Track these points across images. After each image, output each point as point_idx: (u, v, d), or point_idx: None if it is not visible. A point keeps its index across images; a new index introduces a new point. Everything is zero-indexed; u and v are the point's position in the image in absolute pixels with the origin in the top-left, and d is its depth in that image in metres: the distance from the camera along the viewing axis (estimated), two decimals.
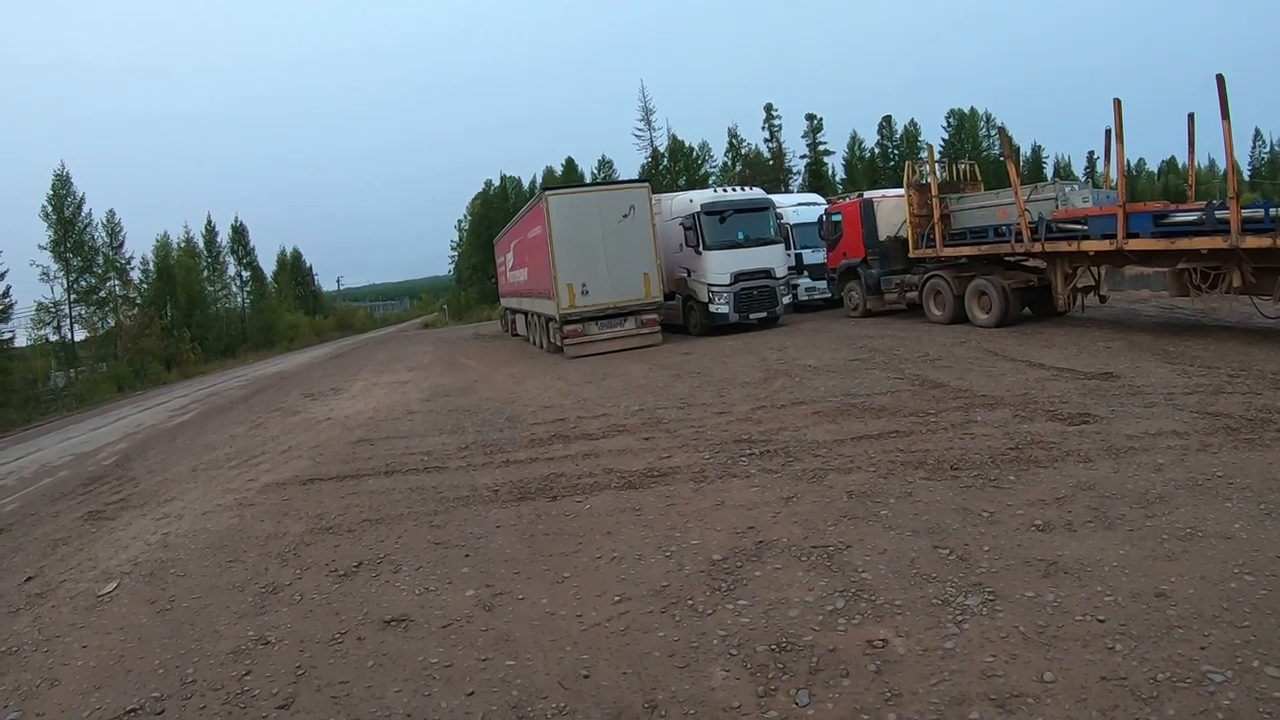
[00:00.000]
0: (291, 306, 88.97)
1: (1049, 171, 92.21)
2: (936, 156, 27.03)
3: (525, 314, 32.87)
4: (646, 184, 26.11)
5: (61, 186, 59.48)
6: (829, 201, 30.82)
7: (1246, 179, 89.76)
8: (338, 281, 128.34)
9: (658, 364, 19.70)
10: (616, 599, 6.31)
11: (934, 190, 22.03)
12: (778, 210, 27.55)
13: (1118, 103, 16.50)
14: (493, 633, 5.96)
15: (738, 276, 24.83)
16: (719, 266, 24.80)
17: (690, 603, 6.06)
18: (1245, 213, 14.43)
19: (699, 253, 25.07)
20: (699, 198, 26.12)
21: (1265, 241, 13.96)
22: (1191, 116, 18.25)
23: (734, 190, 27.29)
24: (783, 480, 8.81)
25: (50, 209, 58.85)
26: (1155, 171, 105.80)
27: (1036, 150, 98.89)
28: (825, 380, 14.45)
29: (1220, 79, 14.08)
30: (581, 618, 6.05)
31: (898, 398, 12.33)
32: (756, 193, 27.39)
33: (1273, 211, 14.25)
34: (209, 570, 8.15)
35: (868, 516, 7.41)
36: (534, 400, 16.41)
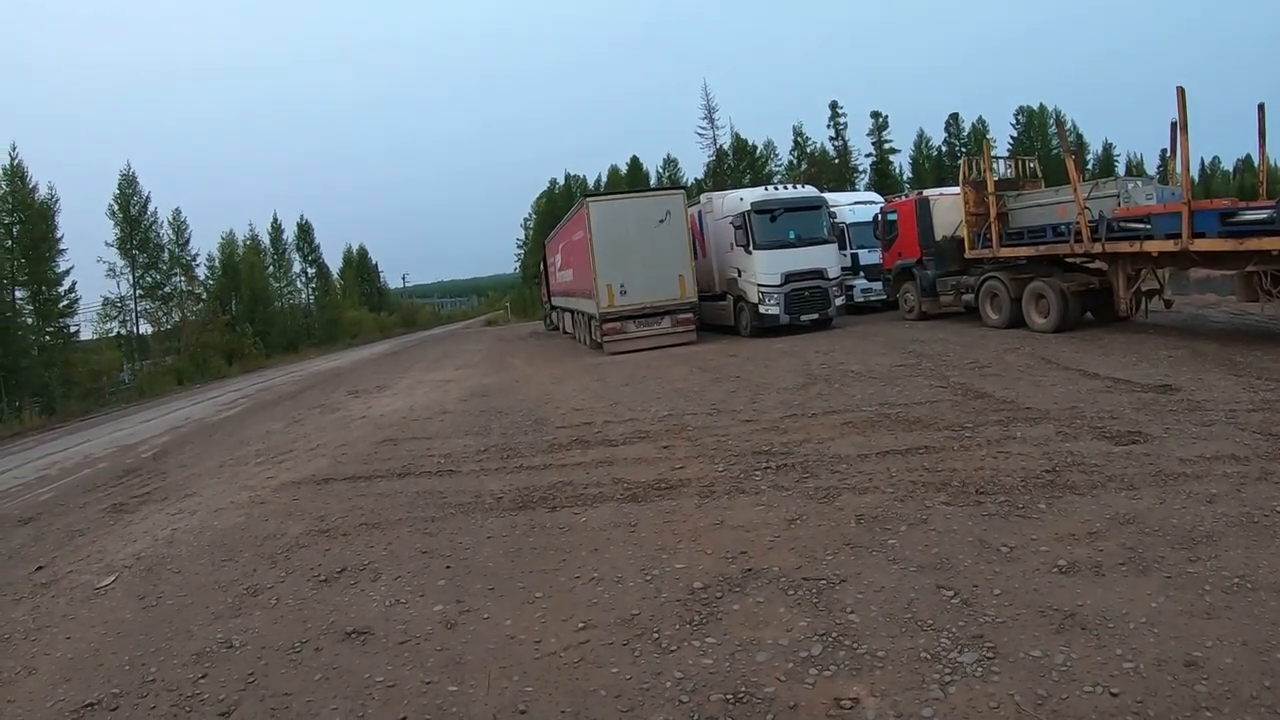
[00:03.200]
0: (356, 303, 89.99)
1: (1120, 170, 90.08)
2: (1001, 153, 25.90)
3: (572, 312, 34.04)
4: (681, 191, 28.59)
5: (128, 186, 60.38)
6: (886, 200, 29.90)
7: None
8: (403, 278, 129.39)
9: (699, 366, 19.17)
10: (581, 625, 5.88)
11: (990, 187, 21.09)
12: (831, 209, 26.97)
13: (1181, 91, 15.49)
14: (446, 653, 5.66)
15: (789, 277, 24.21)
16: (769, 266, 24.21)
17: (655, 636, 5.56)
18: None
19: (749, 252, 24.48)
20: (749, 196, 25.51)
21: None
22: (1261, 107, 17.03)
23: (786, 188, 26.85)
24: (792, 499, 8.14)
25: (116, 208, 59.75)
26: (1230, 170, 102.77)
27: (1108, 148, 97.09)
28: (864, 388, 13.74)
29: None
30: (540, 644, 5.65)
31: (936, 409, 11.56)
32: (809, 191, 26.83)
33: None
34: (202, 568, 8.12)
35: (873, 546, 6.70)
36: (567, 402, 16.00)
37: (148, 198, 61.10)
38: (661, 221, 24.99)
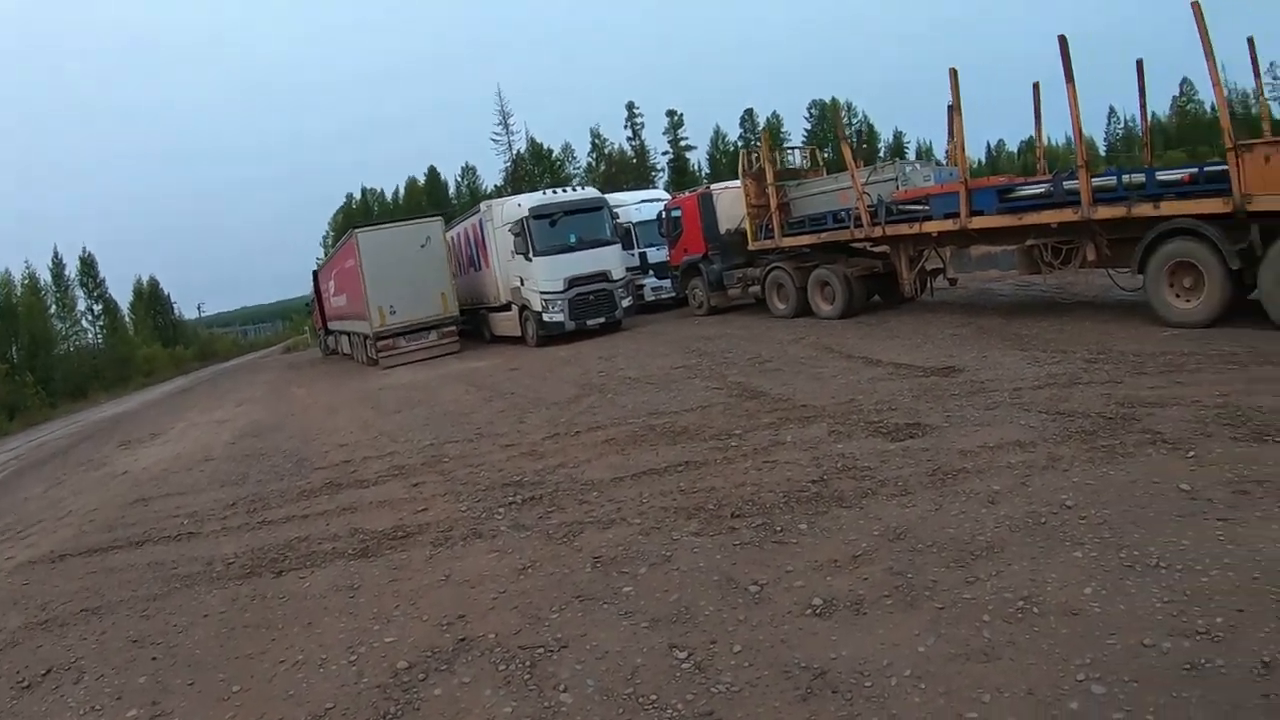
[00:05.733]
0: (149, 339, 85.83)
1: (911, 156, 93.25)
2: (796, 144, 26.29)
3: (348, 334, 35.14)
4: (439, 217, 30.25)
5: None
6: (671, 196, 29.48)
7: (1102, 155, 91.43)
8: (199, 308, 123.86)
9: (477, 384, 18.44)
10: None
11: (770, 178, 20.84)
12: (615, 209, 26.49)
13: (954, 73, 15.64)
14: None
15: (572, 282, 23.51)
16: (551, 272, 23.48)
17: None
18: (1097, 181, 13.54)
19: (529, 259, 23.69)
20: (527, 201, 24.76)
21: (1119, 211, 13.06)
22: (1036, 86, 17.63)
23: (564, 191, 26.29)
24: (531, 541, 7.25)
25: None
26: (1015, 151, 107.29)
27: (898, 136, 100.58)
28: (638, 395, 13.09)
29: (1062, 40, 13.21)
30: None
31: (706, 415, 10.89)
32: (589, 192, 26.34)
33: (1125, 179, 13.41)
34: None
35: (606, 596, 5.84)
36: (334, 437, 15.04)
37: None
38: (423, 246, 27.40)
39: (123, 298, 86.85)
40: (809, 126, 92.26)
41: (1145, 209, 12.64)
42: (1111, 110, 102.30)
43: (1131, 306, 13.97)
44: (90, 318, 78.52)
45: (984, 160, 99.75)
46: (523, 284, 24.43)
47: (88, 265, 78.77)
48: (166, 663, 6.27)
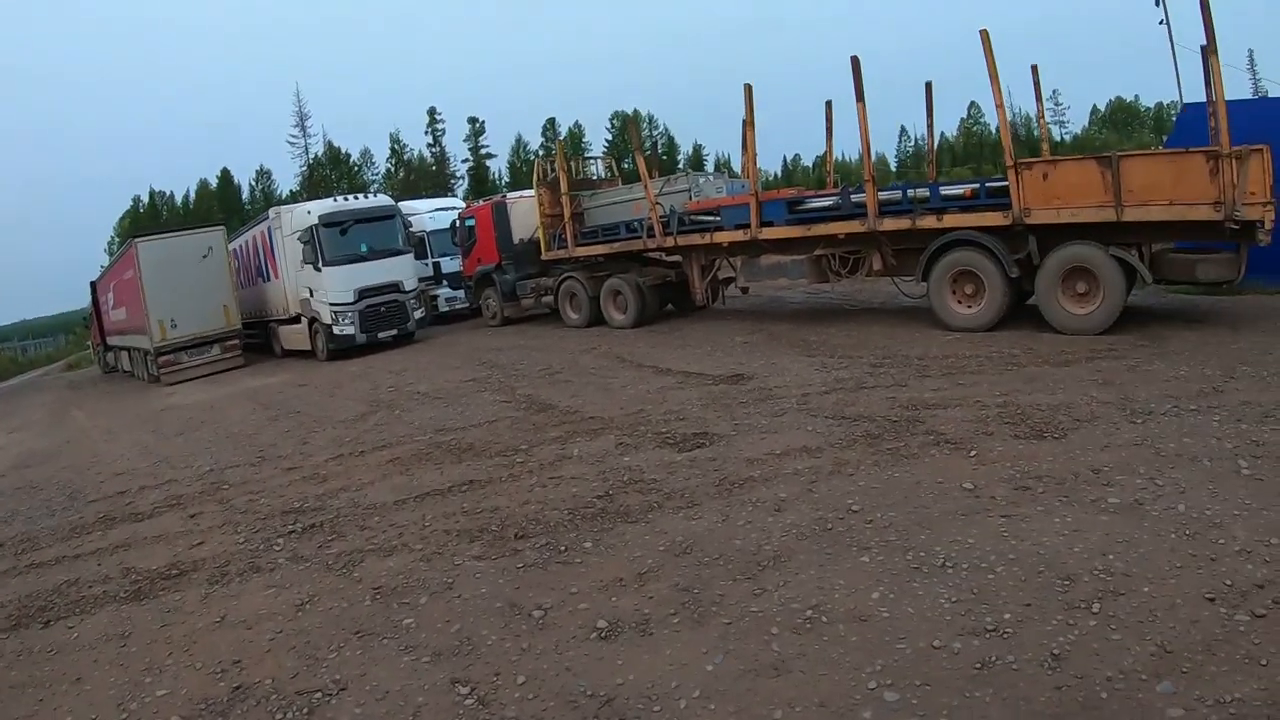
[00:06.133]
0: None
1: (709, 168, 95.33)
2: (597, 154, 26.41)
3: (129, 350, 32.78)
4: (221, 227, 28.47)
5: None
6: (466, 204, 29.00)
7: (893, 170, 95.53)
8: None
9: (263, 402, 17.65)
10: None
11: (564, 187, 20.77)
12: (408, 218, 26.04)
13: (748, 88, 16.05)
14: None
15: (363, 293, 22.87)
16: (341, 283, 22.75)
17: None
18: (883, 195, 14.20)
19: (319, 269, 22.90)
20: (316, 208, 23.86)
21: (904, 223, 13.72)
22: (829, 104, 18.41)
23: (356, 198, 25.44)
24: (309, 573, 6.85)
25: None
26: (810, 165, 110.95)
27: (698, 149, 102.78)
28: (426, 411, 12.75)
29: (855, 60, 13.72)
30: None
31: (494, 430, 10.66)
32: (381, 200, 25.69)
33: (910, 193, 14.11)
34: None
35: (386, 630, 5.52)
36: (112, 464, 14.04)
37: None
38: (205, 257, 26.02)
39: None
40: (610, 138, 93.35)
41: (929, 221, 13.30)
42: (903, 129, 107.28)
43: (916, 313, 14.46)
44: None
45: (780, 174, 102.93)
46: (312, 295, 23.58)
47: None
48: None
